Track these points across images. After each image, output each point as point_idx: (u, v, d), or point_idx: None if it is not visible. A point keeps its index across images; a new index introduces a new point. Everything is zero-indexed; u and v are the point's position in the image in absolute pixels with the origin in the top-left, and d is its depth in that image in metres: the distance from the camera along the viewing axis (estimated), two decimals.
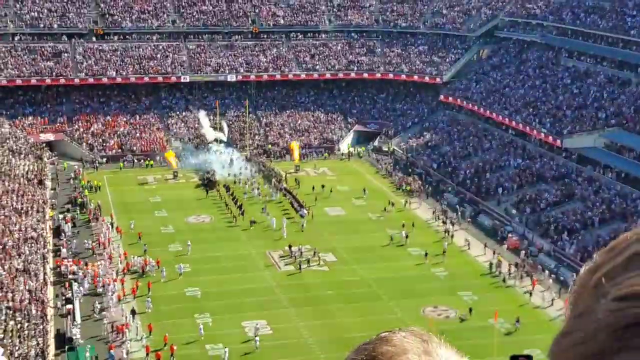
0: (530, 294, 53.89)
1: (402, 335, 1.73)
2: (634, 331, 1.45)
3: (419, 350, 1.69)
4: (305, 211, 68.60)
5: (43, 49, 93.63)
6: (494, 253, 60.12)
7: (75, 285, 51.19)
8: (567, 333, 1.55)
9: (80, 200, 69.55)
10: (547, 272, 56.91)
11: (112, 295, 50.84)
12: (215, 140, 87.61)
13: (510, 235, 64.75)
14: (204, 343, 45.67)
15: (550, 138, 76.60)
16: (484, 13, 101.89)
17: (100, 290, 51.98)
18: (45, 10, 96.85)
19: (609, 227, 62.15)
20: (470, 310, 50.68)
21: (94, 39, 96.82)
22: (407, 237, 62.62)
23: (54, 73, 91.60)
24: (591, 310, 1.52)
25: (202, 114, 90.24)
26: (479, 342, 45.83)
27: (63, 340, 45.24)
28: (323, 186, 75.60)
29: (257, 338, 45.57)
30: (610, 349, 1.46)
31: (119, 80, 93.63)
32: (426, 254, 59.05)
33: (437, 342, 1.75)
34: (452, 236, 64.24)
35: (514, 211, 68.74)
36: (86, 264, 55.56)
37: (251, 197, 73.44)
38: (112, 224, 64.70)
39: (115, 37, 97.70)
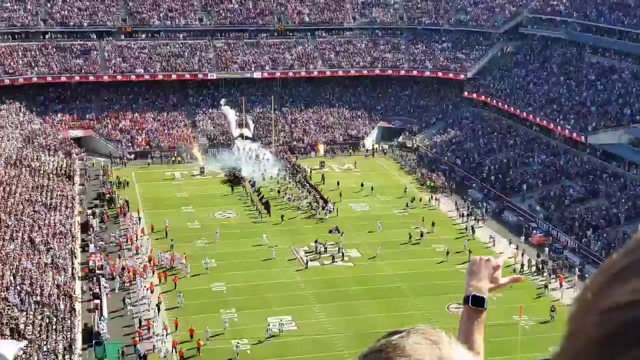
0: (546, 286, 54.27)
1: (413, 342, 1.75)
2: (617, 340, 1.44)
3: (430, 341, 1.77)
4: (332, 206, 69.03)
5: (73, 47, 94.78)
6: (517, 248, 60.27)
7: (102, 280, 52.01)
8: (559, 354, 1.56)
9: (108, 196, 70.42)
10: (576, 269, 56.94)
11: (144, 290, 51.52)
12: (241, 136, 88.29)
13: (534, 231, 64.79)
14: (230, 338, 46.19)
15: (575, 134, 76.42)
16: (507, 10, 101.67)
17: (127, 285, 52.79)
18: (75, 9, 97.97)
19: (635, 224, 61.99)
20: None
21: (122, 37, 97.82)
22: (422, 235, 62.74)
23: (83, 70, 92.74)
24: (580, 327, 1.52)
25: (228, 109, 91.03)
26: (503, 339, 46.09)
27: (90, 335, 45.93)
28: (362, 184, 75.59)
29: (269, 326, 46.44)
30: None
31: (147, 77, 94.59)
32: (447, 253, 59.29)
33: (448, 341, 1.80)
34: (473, 232, 64.39)
35: (538, 207, 68.69)
36: (118, 257, 56.51)
37: (299, 208, 70.18)
38: (139, 219, 65.55)
39: (143, 35, 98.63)
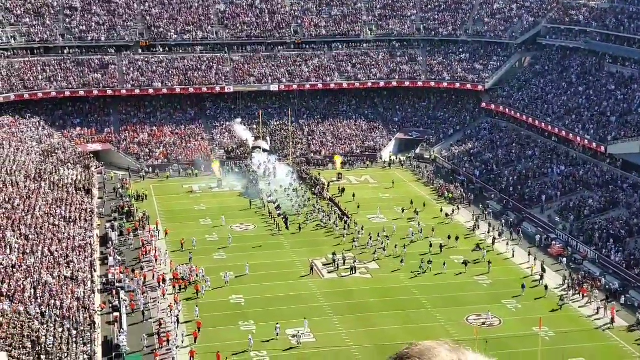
0: (546, 287, 53.80)
1: (431, 341, 2.06)
2: None
3: (448, 347, 2.01)
4: (348, 219, 68.87)
5: (91, 62, 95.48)
6: (535, 259, 59.95)
7: (122, 293, 52.16)
8: None
9: (126, 209, 70.66)
10: (603, 281, 56.44)
11: (163, 305, 51.58)
12: (257, 148, 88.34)
13: (554, 242, 64.41)
14: (250, 350, 46.14)
15: (594, 144, 76.01)
16: (526, 20, 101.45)
17: (146, 297, 52.90)
18: (93, 24, 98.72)
19: None
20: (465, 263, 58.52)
21: (140, 51, 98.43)
22: (441, 247, 62.56)
23: (101, 84, 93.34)
24: None
25: (237, 124, 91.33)
26: (523, 351, 45.85)
27: (110, 348, 46.05)
28: (412, 201, 74.23)
29: (278, 328, 47.13)
30: None
31: (164, 91, 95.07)
32: (466, 264, 59.04)
33: (465, 348, 2.05)
34: (493, 243, 64.08)
35: (557, 218, 68.29)
36: (133, 271, 56.68)
37: (321, 222, 68.58)
38: (158, 232, 65.77)
39: (161, 49, 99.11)
